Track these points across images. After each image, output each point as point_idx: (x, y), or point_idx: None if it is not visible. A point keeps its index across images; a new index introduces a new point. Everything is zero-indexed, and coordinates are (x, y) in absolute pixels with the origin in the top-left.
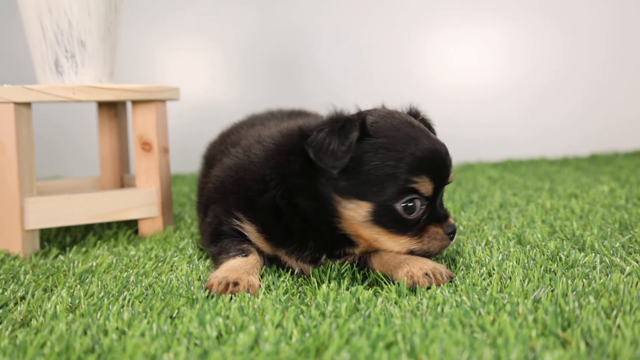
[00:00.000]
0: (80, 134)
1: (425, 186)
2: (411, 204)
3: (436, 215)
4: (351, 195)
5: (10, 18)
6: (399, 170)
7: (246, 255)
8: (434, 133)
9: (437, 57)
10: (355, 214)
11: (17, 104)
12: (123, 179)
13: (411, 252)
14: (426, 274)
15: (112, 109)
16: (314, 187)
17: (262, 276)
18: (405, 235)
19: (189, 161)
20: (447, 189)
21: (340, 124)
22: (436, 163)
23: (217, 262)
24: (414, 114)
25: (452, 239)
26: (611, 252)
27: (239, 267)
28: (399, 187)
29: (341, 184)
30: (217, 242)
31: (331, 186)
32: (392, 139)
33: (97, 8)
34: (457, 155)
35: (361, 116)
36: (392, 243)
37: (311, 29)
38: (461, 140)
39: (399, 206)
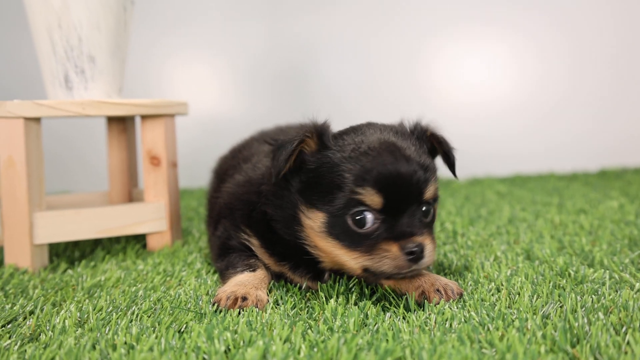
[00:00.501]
0: (90, 149)
1: (371, 198)
2: (360, 217)
3: (397, 232)
4: (311, 205)
5: (21, 33)
6: (345, 180)
7: (254, 270)
8: (448, 150)
9: (446, 72)
10: (313, 223)
11: (27, 119)
12: (132, 194)
13: (366, 270)
14: (437, 290)
15: (121, 124)
16: (287, 197)
17: (270, 291)
18: (357, 250)
19: (197, 176)
20: (456, 203)
21: (292, 137)
22: (388, 176)
23: (224, 277)
24: (419, 130)
25: (414, 260)
26: (620, 268)
27: (247, 282)
28: (346, 198)
29: (305, 193)
30: (225, 256)
31: (297, 195)
32: (349, 152)
33: (106, 23)
34: (466, 170)
35: (316, 129)
36: (347, 257)
37: (320, 43)
38: (470, 154)
39: (349, 218)
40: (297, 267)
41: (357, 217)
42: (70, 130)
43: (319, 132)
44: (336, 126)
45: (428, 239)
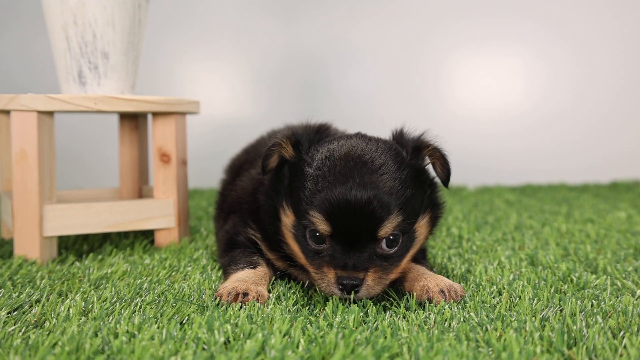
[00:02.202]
0: (105, 146)
1: (318, 224)
2: (317, 234)
3: (340, 261)
4: (288, 205)
5: (37, 30)
6: (304, 197)
7: (254, 267)
8: (445, 164)
9: (464, 85)
10: (287, 222)
11: (40, 112)
12: (142, 190)
13: (313, 280)
14: (441, 291)
15: (133, 121)
16: (277, 191)
17: (272, 287)
18: (309, 262)
19: (207, 176)
20: (463, 210)
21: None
22: (336, 205)
23: (226, 273)
24: (418, 144)
25: (346, 292)
26: (623, 275)
27: (248, 278)
28: (303, 215)
29: (288, 192)
30: (229, 252)
31: (284, 192)
32: (314, 169)
33: (121, 21)
34: (476, 179)
35: (290, 136)
36: (305, 263)
37: (336, 47)
38: (480, 163)
39: (307, 232)
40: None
41: (312, 234)
42: (86, 127)
43: (294, 140)
44: (354, 128)
45: (373, 275)
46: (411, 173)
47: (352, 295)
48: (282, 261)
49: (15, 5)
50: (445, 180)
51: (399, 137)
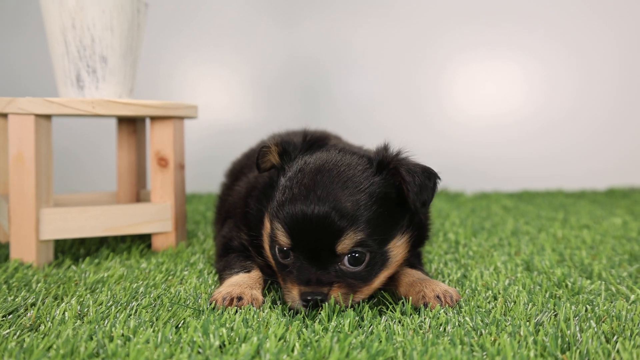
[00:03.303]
0: (102, 150)
1: (280, 237)
2: (283, 248)
3: (304, 276)
4: (269, 214)
5: (38, 32)
6: (272, 210)
7: (249, 271)
8: (409, 184)
9: (463, 91)
10: (266, 230)
11: (37, 116)
12: (139, 194)
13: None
14: (437, 296)
15: (131, 125)
16: (264, 200)
17: (268, 291)
18: (279, 274)
19: (206, 181)
20: (460, 215)
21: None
22: (294, 218)
23: (221, 278)
24: (381, 161)
25: (311, 307)
26: (618, 280)
27: (242, 282)
28: (272, 224)
29: (271, 201)
30: (224, 257)
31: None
32: (286, 179)
33: (119, 25)
34: (474, 185)
35: (273, 144)
36: (277, 272)
37: (334, 53)
38: (479, 169)
39: (276, 245)
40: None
41: (279, 248)
42: (84, 131)
43: (282, 148)
44: (356, 136)
45: (337, 291)
46: (380, 189)
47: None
48: (266, 269)
49: (17, 8)
50: (412, 201)
51: (377, 152)
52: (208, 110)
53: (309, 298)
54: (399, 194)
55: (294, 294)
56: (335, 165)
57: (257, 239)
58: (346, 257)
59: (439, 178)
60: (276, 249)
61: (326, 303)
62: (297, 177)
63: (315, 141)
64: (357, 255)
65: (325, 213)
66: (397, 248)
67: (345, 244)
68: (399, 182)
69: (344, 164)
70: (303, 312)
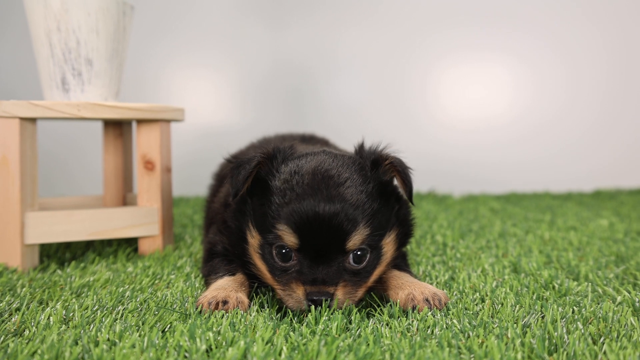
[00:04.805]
0: (88, 153)
1: (287, 237)
2: (284, 251)
3: (309, 276)
4: (254, 226)
5: (19, 35)
6: (271, 213)
7: (233, 274)
8: (405, 178)
9: (450, 94)
10: (254, 242)
11: (22, 119)
12: (126, 198)
13: (280, 298)
14: (426, 299)
15: (117, 129)
16: (243, 214)
17: (255, 294)
18: (275, 279)
19: (193, 184)
20: (448, 217)
21: (250, 157)
22: (304, 216)
23: (207, 283)
24: (376, 157)
25: (317, 306)
26: (604, 282)
27: (227, 285)
28: (269, 230)
29: (254, 213)
30: (209, 261)
31: (250, 213)
32: (282, 182)
33: (105, 28)
34: (462, 187)
35: (270, 152)
36: (271, 282)
37: (322, 56)
38: (466, 172)
39: (274, 249)
40: None
41: (279, 251)
42: (70, 134)
43: (272, 156)
44: (343, 138)
45: (342, 290)
46: (376, 187)
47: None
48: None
49: (1, 10)
50: (408, 194)
51: (360, 151)
52: (195, 113)
53: (315, 298)
54: (387, 189)
55: (298, 294)
56: (331, 165)
57: (239, 255)
58: (351, 255)
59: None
60: (274, 253)
61: (334, 302)
62: (295, 179)
63: (288, 149)
64: (360, 253)
65: (336, 210)
66: (388, 245)
67: (355, 240)
68: (392, 177)
69: (338, 164)
70: (291, 315)
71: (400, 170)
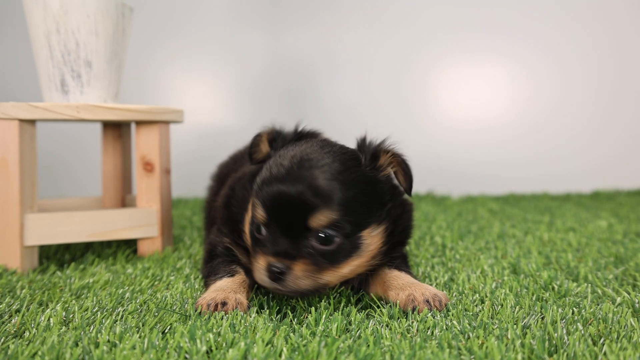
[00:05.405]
0: (87, 155)
1: (258, 212)
2: (258, 224)
3: (274, 248)
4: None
5: (19, 37)
6: (254, 189)
7: (232, 275)
8: (406, 171)
9: (449, 95)
10: (247, 216)
11: (21, 121)
12: (125, 199)
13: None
14: (427, 300)
15: (116, 130)
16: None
17: (255, 295)
18: (253, 252)
19: (192, 186)
20: (447, 219)
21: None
22: (271, 193)
23: (206, 284)
24: (376, 151)
25: (274, 279)
26: (604, 283)
27: (226, 286)
28: (251, 204)
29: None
30: (209, 263)
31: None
32: (270, 164)
33: (104, 29)
34: (460, 188)
35: (266, 133)
36: (252, 252)
37: (322, 58)
38: (465, 173)
39: (254, 223)
40: None
41: (255, 225)
42: (69, 135)
43: (271, 136)
44: (342, 139)
45: (302, 267)
46: (361, 178)
47: (280, 286)
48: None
49: (0, 12)
50: (408, 188)
51: (362, 144)
52: (194, 114)
53: (272, 268)
54: (377, 184)
55: (260, 264)
56: (315, 151)
57: (239, 236)
58: (317, 234)
59: None
60: (254, 227)
61: (289, 275)
62: (277, 160)
63: (305, 134)
64: (328, 234)
65: (300, 189)
66: (372, 238)
67: (318, 220)
68: (395, 171)
69: (325, 151)
70: (291, 316)
71: (401, 161)
